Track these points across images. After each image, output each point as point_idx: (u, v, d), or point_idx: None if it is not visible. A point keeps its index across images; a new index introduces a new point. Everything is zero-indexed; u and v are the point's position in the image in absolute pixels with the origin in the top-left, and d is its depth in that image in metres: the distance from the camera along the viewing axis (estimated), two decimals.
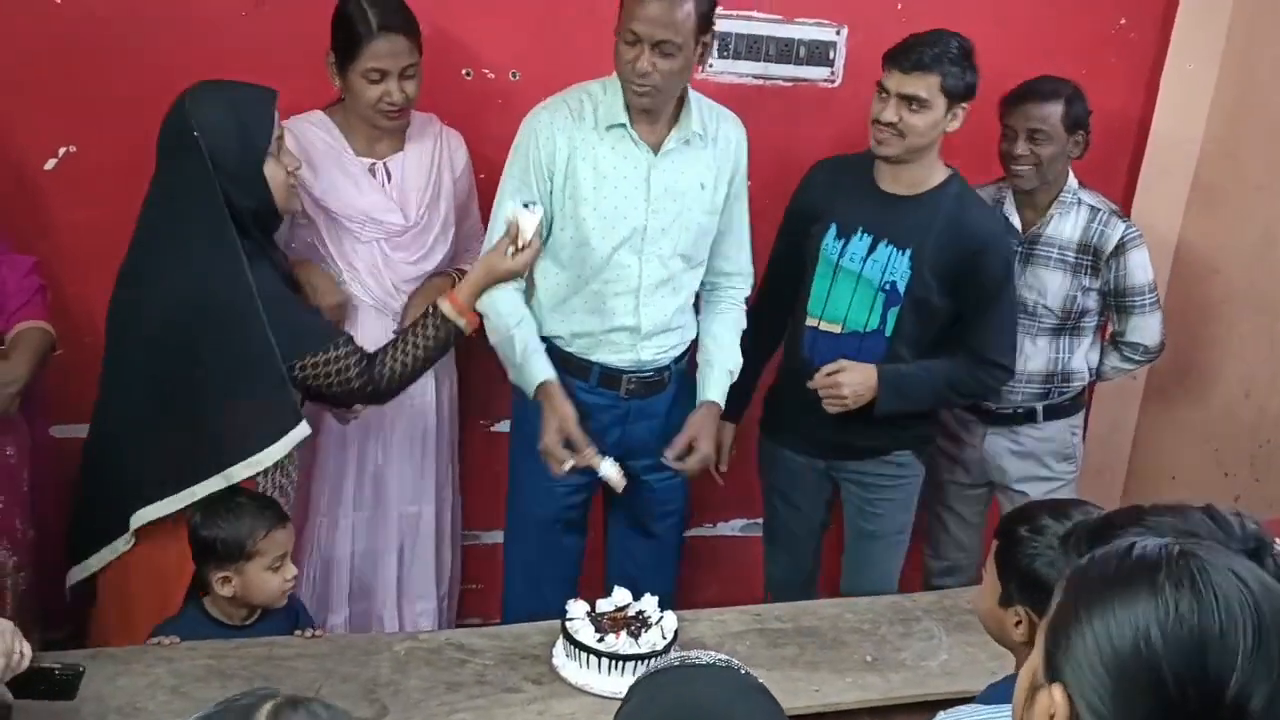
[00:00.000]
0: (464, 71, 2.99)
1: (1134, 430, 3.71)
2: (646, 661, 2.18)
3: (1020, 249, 3.03)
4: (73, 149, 2.79)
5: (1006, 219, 3.04)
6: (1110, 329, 3.18)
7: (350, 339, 2.40)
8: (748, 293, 2.89)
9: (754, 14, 3.13)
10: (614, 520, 3.01)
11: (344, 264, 2.72)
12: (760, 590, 3.23)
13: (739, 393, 3.00)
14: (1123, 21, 3.42)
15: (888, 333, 2.80)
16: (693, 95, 2.66)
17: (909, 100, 2.64)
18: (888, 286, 2.77)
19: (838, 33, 3.21)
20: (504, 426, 3.29)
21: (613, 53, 2.57)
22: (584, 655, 2.21)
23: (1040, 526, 1.75)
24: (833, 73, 3.24)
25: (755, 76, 3.18)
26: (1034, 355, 3.08)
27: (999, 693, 1.64)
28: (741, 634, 2.45)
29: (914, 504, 3.06)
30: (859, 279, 2.79)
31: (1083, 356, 3.14)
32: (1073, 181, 3.05)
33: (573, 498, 2.86)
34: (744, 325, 2.86)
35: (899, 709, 2.30)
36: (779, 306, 2.95)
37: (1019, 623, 1.76)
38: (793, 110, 3.20)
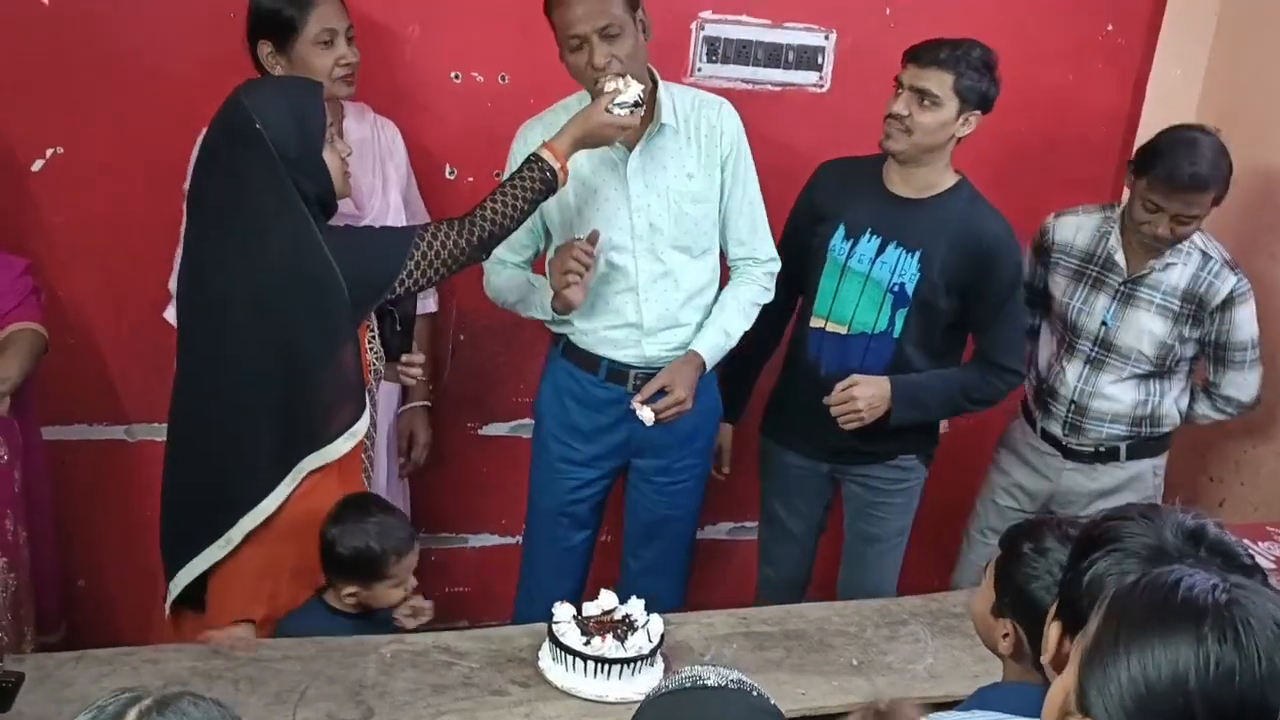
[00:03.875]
0: (453, 74, 2.99)
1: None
2: (632, 665, 2.19)
3: (1121, 288, 2.91)
4: (60, 150, 2.79)
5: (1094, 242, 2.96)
6: (1204, 376, 3.04)
7: (424, 226, 2.36)
8: (772, 271, 2.82)
9: (744, 18, 3.13)
10: (627, 521, 3.02)
11: None
12: (747, 594, 3.23)
13: (737, 394, 3.01)
14: (1110, 27, 3.44)
15: (896, 334, 2.80)
16: (665, 87, 2.65)
17: (921, 95, 2.63)
18: (896, 288, 2.77)
19: (826, 38, 3.21)
20: (492, 430, 3.30)
21: None
22: (570, 658, 2.21)
23: (1044, 548, 1.74)
24: (822, 77, 3.25)
25: (744, 81, 3.18)
26: (1120, 396, 2.96)
27: (984, 700, 1.64)
28: (728, 637, 2.46)
29: (914, 507, 3.04)
30: (867, 280, 2.79)
31: (1173, 401, 3.00)
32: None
33: (580, 491, 2.87)
34: (759, 299, 2.81)
35: None
36: (779, 306, 2.90)
37: (1006, 635, 1.76)
38: (782, 114, 3.20)
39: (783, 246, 2.89)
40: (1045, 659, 1.43)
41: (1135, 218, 2.82)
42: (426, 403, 3.03)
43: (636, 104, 2.42)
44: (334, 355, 2.25)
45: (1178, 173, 2.71)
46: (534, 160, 2.39)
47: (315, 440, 2.27)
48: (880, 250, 2.77)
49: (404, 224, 2.74)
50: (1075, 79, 3.35)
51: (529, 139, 2.62)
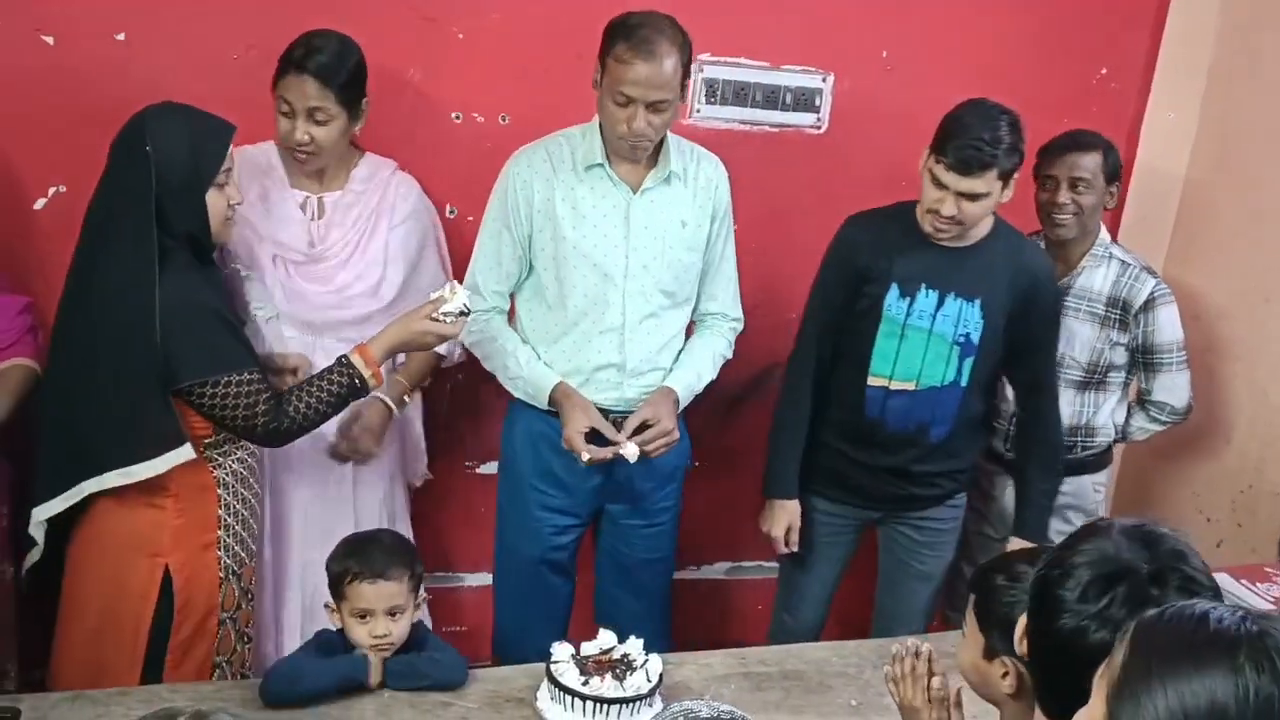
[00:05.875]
0: (454, 115, 3.02)
1: (1115, 476, 3.72)
2: (631, 705, 2.18)
3: None
4: (62, 189, 2.80)
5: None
6: (1138, 389, 3.17)
7: (257, 370, 2.34)
8: (737, 330, 2.88)
9: (742, 60, 3.16)
10: (601, 566, 2.99)
11: (265, 283, 2.68)
12: (744, 634, 3.22)
13: (791, 465, 2.90)
14: (1104, 71, 3.47)
15: (964, 383, 2.78)
16: (670, 135, 2.69)
17: (969, 197, 2.59)
18: (962, 339, 2.73)
19: (824, 80, 3.25)
20: (490, 469, 3.30)
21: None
22: (568, 698, 2.19)
23: (1017, 573, 1.72)
24: (819, 119, 3.28)
25: (742, 122, 3.21)
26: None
27: None
28: (726, 677, 2.44)
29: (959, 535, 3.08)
30: (930, 334, 2.73)
31: (1108, 413, 3.12)
32: (1105, 235, 3.08)
33: (559, 538, 2.86)
34: (726, 353, 2.85)
35: None
36: (823, 369, 2.86)
37: (1005, 674, 1.73)
38: (779, 155, 3.23)
39: (820, 311, 2.84)
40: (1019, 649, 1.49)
41: (1040, 204, 3.02)
42: (393, 405, 2.77)
43: (461, 313, 2.41)
44: (126, 393, 2.25)
45: (1058, 141, 3.01)
46: (344, 364, 2.39)
47: (93, 465, 2.29)
48: (940, 304, 2.72)
49: (381, 276, 2.74)
50: (1070, 122, 3.37)
51: (518, 171, 2.67)
